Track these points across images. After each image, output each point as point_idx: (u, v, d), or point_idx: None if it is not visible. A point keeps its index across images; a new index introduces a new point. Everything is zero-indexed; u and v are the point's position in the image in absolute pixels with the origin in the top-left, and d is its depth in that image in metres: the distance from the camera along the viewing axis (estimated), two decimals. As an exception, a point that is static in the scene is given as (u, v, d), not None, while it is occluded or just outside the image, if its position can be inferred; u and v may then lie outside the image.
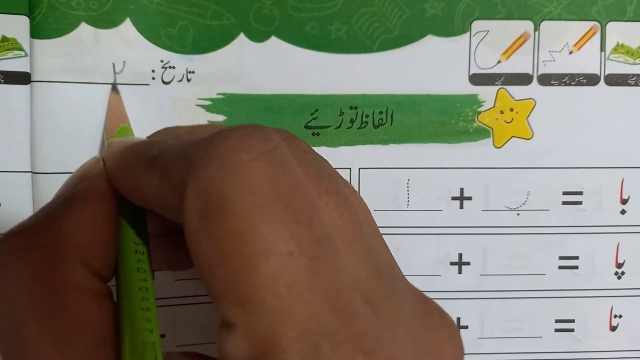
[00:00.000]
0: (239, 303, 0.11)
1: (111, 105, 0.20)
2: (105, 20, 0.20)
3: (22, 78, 0.19)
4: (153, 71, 0.20)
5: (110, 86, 0.20)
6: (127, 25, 0.20)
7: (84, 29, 0.19)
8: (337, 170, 0.20)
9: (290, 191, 0.12)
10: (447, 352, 0.14)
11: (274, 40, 0.20)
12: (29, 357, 0.13)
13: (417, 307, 0.14)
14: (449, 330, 0.14)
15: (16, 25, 0.19)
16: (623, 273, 0.22)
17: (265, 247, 0.11)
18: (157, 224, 0.16)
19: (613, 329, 0.22)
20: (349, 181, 0.21)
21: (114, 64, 0.20)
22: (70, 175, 0.16)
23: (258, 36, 0.20)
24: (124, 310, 0.14)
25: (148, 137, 0.19)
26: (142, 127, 0.19)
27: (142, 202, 0.15)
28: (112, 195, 0.15)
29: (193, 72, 0.20)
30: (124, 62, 0.20)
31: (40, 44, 0.19)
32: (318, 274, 0.11)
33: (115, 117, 0.20)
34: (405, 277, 0.15)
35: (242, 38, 0.20)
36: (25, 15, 0.19)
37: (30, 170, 0.19)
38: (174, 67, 0.20)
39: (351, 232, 0.13)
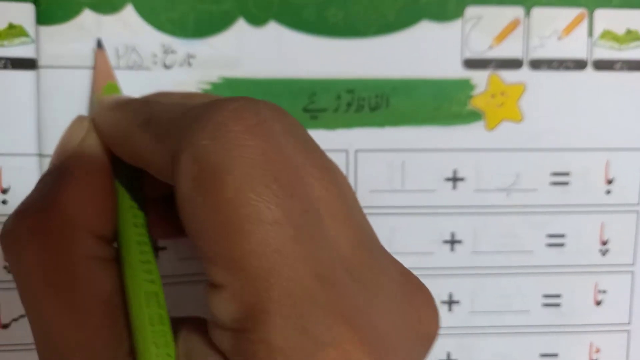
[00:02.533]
0: (229, 267, 0.12)
1: (97, 62, 0.20)
2: (108, 6, 0.20)
3: (29, 64, 0.20)
4: (155, 55, 0.20)
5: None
6: (129, 11, 0.20)
7: (87, 14, 0.20)
8: (335, 152, 0.21)
9: (280, 163, 0.13)
10: (425, 320, 0.15)
11: (272, 24, 0.21)
12: (50, 327, 0.14)
13: (397, 277, 0.15)
14: (427, 300, 0.15)
15: (22, 13, 0.20)
16: (607, 250, 0.23)
17: (254, 215, 0.12)
18: (155, 185, 0.16)
19: (598, 303, 0.23)
20: (345, 163, 0.22)
21: (117, 49, 0.20)
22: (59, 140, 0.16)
23: (257, 20, 0.21)
24: (125, 266, 0.14)
25: (141, 97, 0.19)
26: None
27: (135, 161, 0.15)
28: (106, 158, 0.16)
29: (194, 56, 0.21)
30: (126, 46, 0.20)
31: (46, 30, 0.20)
32: (304, 242, 0.12)
33: (102, 73, 0.20)
34: (390, 253, 0.16)
35: (241, 22, 0.21)
36: (30, 2, 0.20)
37: (38, 153, 0.20)
38: (175, 52, 0.21)
39: (335, 205, 0.14)
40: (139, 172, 0.16)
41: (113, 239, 0.15)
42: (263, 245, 0.12)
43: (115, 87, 0.19)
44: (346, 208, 0.14)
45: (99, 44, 0.20)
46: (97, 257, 0.14)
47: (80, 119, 0.17)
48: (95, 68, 0.20)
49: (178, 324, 0.14)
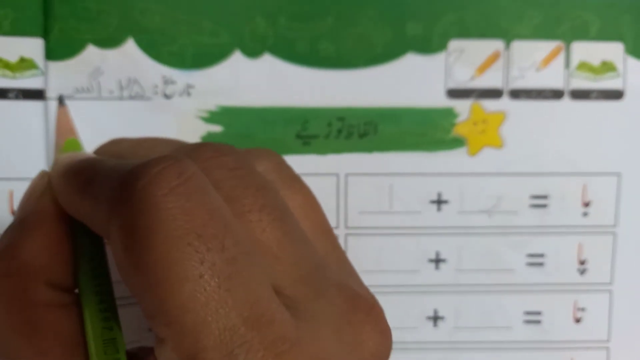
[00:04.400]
0: (165, 323, 0.13)
1: (59, 119, 0.21)
2: (111, 41, 0.21)
3: (38, 94, 0.21)
4: (156, 86, 0.22)
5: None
6: (130, 45, 0.22)
7: (92, 50, 0.21)
8: (326, 176, 0.23)
9: (203, 220, 0.13)
10: (370, 345, 0.15)
11: (267, 57, 0.22)
12: None
13: (343, 306, 0.15)
14: (374, 325, 0.16)
15: (33, 47, 0.21)
16: (585, 270, 0.24)
17: (180, 274, 0.13)
18: None
19: (577, 321, 0.24)
20: (336, 186, 0.23)
21: (120, 81, 0.22)
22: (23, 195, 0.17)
23: (252, 53, 0.22)
24: (85, 314, 0.15)
25: (95, 151, 0.20)
26: (147, 139, 0.21)
27: (83, 221, 0.16)
28: (61, 214, 0.17)
29: (193, 86, 0.22)
30: (129, 78, 0.22)
31: (54, 64, 0.21)
32: (231, 290, 0.13)
33: (63, 130, 0.21)
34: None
35: (237, 55, 0.22)
36: (41, 37, 0.21)
37: (45, 178, 0.21)
38: (174, 83, 0.22)
39: (275, 243, 0.15)
40: None
41: (73, 287, 0.16)
42: (191, 300, 0.13)
43: (75, 143, 0.20)
44: (289, 244, 0.15)
45: (61, 101, 0.21)
46: (55, 304, 0.15)
47: (41, 175, 0.18)
48: (56, 125, 0.21)
49: (147, 356, 0.15)
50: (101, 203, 0.14)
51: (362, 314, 0.16)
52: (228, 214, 0.14)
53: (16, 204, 0.22)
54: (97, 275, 0.16)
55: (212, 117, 0.22)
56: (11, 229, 0.17)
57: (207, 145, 0.16)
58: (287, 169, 0.18)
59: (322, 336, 0.14)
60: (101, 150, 0.20)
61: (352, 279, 0.17)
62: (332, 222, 0.23)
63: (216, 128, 0.22)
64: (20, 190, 0.21)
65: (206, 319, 0.13)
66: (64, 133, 0.21)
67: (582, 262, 0.24)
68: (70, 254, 0.16)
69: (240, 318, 0.13)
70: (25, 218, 0.17)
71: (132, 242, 0.13)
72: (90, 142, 0.21)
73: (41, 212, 0.17)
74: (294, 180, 0.18)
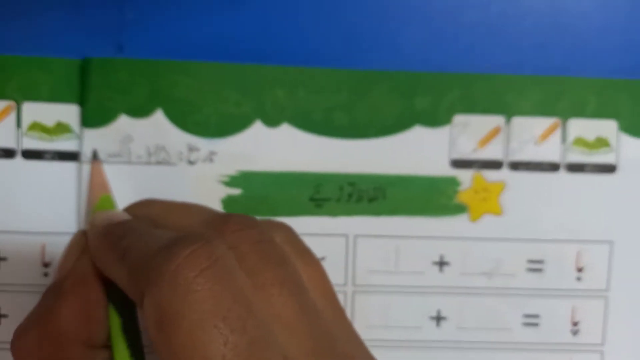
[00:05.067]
0: None
1: (93, 174, 0.22)
2: (141, 111, 0.23)
3: (72, 156, 0.23)
4: (181, 153, 0.24)
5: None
6: (159, 115, 0.23)
7: (124, 119, 0.23)
8: (336, 236, 0.24)
9: (229, 303, 0.15)
10: None
11: (285, 126, 0.24)
12: None
13: None
14: None
15: (69, 113, 0.23)
16: (578, 331, 0.25)
17: (205, 354, 0.14)
18: None
19: (571, 377, 0.25)
20: (345, 246, 0.24)
21: (148, 147, 0.23)
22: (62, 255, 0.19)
23: (272, 122, 0.24)
24: None
25: (126, 209, 0.21)
26: (172, 200, 0.23)
27: (117, 284, 0.18)
28: (96, 277, 0.18)
29: (215, 153, 0.24)
30: (157, 145, 0.23)
31: (88, 131, 0.23)
32: None
33: (97, 186, 0.22)
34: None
35: (258, 124, 0.24)
36: (77, 103, 0.23)
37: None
38: (198, 150, 0.24)
39: (293, 317, 0.16)
40: None
41: (107, 343, 0.18)
42: None
43: (109, 200, 0.22)
44: (304, 317, 0.16)
45: (95, 156, 0.23)
46: None
47: (79, 237, 0.19)
48: (90, 180, 0.22)
49: None
50: (135, 273, 0.16)
51: None
52: (251, 294, 0.16)
53: (47, 257, 0.23)
54: (128, 330, 0.18)
55: (232, 181, 0.24)
56: (50, 291, 0.19)
57: (233, 218, 0.18)
58: (300, 242, 0.20)
59: None
60: (133, 210, 0.22)
61: (360, 349, 0.18)
62: (341, 279, 0.25)
63: (235, 191, 0.24)
64: (52, 243, 0.23)
65: None
66: (98, 188, 0.22)
67: (575, 324, 0.25)
68: (104, 315, 0.18)
69: None
70: (63, 281, 0.18)
71: (162, 320, 0.15)
72: (120, 202, 0.23)
73: (78, 275, 0.18)
74: (306, 253, 0.19)
